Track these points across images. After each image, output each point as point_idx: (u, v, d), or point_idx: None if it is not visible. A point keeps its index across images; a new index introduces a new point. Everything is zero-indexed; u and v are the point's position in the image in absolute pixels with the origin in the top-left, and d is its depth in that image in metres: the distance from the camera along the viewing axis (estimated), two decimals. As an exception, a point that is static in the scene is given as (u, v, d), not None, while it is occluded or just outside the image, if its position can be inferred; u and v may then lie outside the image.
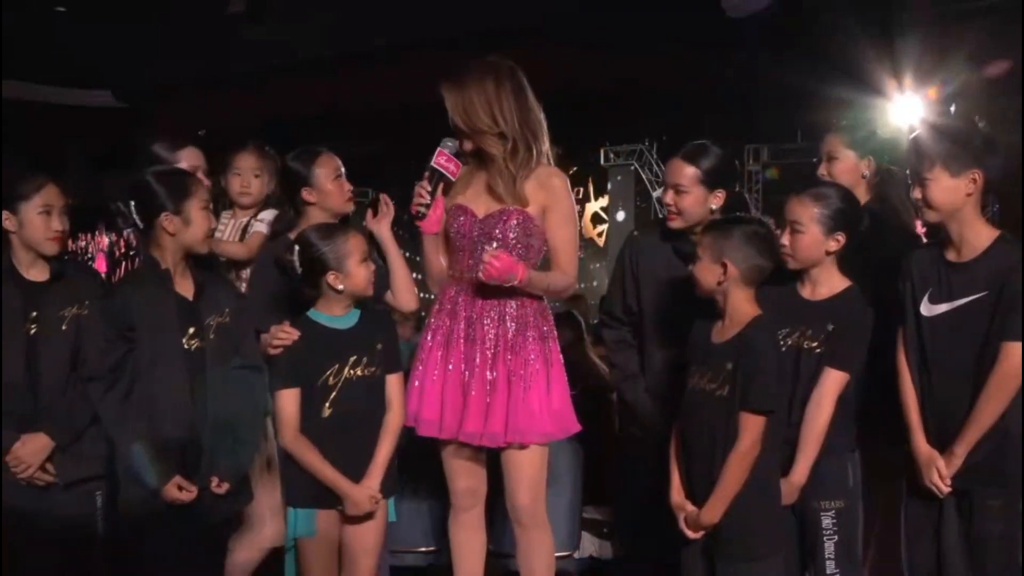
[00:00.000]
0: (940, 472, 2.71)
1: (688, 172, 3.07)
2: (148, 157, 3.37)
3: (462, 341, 2.98)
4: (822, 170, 3.33)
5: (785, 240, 2.87)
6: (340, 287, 2.87)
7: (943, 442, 2.73)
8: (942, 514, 2.75)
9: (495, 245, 2.93)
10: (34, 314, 2.95)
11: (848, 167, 3.29)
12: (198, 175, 3.20)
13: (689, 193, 3.08)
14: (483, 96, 2.95)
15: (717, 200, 3.10)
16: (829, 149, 3.34)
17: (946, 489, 2.71)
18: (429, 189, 3.00)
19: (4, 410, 2.91)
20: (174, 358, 2.84)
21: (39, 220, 2.95)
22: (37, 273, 3.00)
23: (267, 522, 3.29)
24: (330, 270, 2.86)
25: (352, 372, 2.87)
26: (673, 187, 3.11)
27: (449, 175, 3.02)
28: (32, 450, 2.91)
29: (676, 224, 3.14)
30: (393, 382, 2.95)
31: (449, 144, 3.02)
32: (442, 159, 3.00)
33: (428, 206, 3.02)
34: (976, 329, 2.70)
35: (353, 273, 2.87)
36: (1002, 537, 2.67)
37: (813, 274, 2.90)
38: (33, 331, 2.95)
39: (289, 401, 2.85)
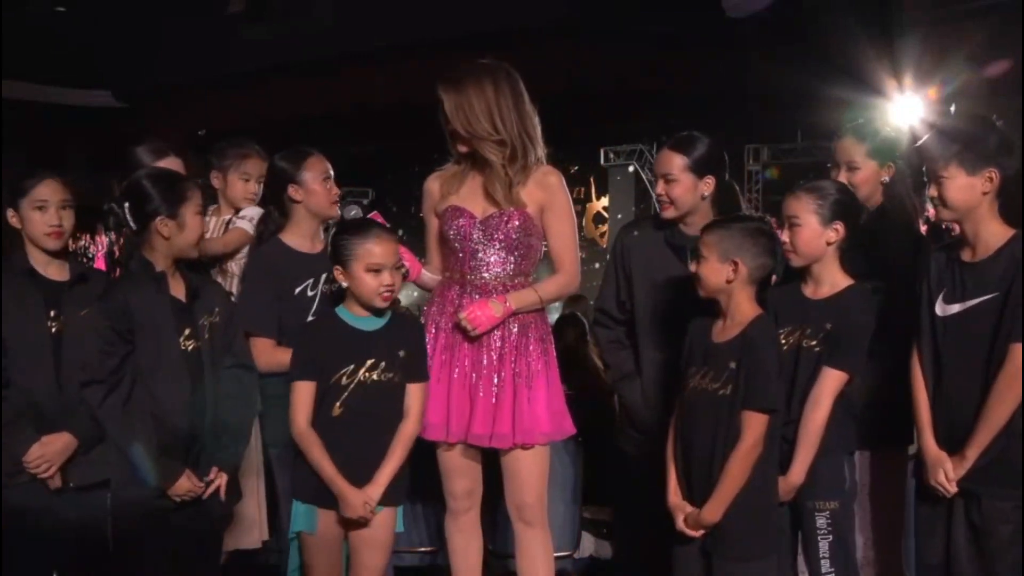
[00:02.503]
0: (947, 474, 2.68)
1: (677, 161, 3.10)
2: (133, 161, 3.36)
3: (467, 344, 2.99)
4: (842, 178, 3.17)
5: (785, 237, 2.87)
6: (345, 284, 2.87)
7: (952, 442, 2.70)
8: (951, 514, 2.72)
9: (461, 316, 2.94)
10: (52, 313, 2.95)
11: (869, 175, 3.18)
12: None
13: (679, 182, 3.10)
14: (483, 101, 2.94)
15: (707, 187, 3.12)
16: (848, 159, 3.18)
17: (952, 489, 2.68)
18: None
19: (30, 410, 2.90)
20: (174, 359, 2.84)
21: (35, 216, 2.96)
22: (55, 272, 3.01)
23: (247, 524, 3.28)
24: (337, 266, 2.86)
25: (367, 375, 2.84)
26: (663, 177, 3.13)
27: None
28: (56, 450, 2.91)
29: (669, 213, 3.15)
30: (414, 391, 2.91)
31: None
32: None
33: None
34: (986, 330, 2.66)
35: (358, 278, 2.85)
36: (1011, 538, 2.64)
37: (815, 272, 2.88)
38: (54, 330, 2.95)
39: (304, 393, 2.84)
